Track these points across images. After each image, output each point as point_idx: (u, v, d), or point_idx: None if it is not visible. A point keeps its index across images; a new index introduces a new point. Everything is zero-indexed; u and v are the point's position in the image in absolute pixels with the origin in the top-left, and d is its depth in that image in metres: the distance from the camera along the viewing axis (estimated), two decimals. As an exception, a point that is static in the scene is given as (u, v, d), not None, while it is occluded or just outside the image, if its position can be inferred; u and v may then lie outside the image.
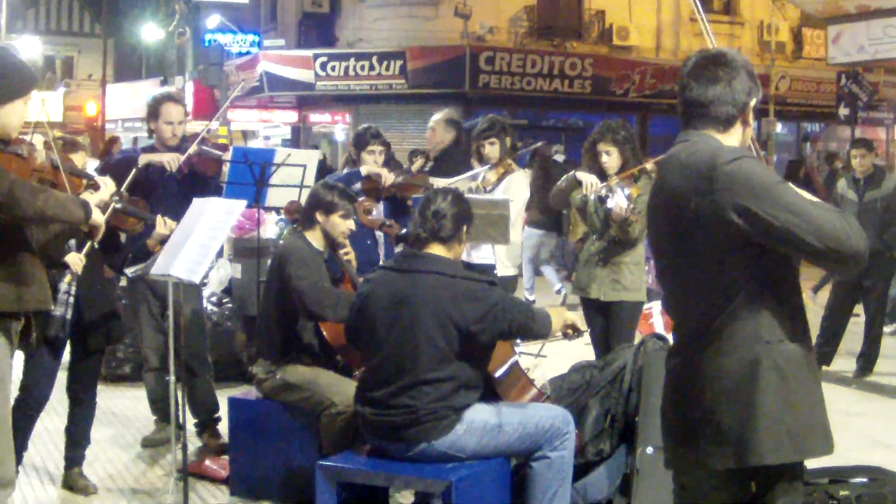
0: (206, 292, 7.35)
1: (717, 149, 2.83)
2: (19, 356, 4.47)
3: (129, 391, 7.39)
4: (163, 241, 5.00)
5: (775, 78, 22.72)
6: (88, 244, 4.71)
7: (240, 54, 25.86)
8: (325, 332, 5.00)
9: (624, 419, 4.80)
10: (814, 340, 3.27)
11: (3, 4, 30.33)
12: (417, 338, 4.16)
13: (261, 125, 27.54)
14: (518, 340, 4.78)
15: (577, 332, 4.64)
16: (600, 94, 22.08)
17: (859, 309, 8.66)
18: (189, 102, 23.81)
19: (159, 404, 6.03)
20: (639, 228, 5.68)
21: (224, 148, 6.67)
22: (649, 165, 6.06)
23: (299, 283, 4.91)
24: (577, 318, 4.73)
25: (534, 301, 11.46)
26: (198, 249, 4.69)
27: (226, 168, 6.20)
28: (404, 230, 5.69)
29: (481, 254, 6.19)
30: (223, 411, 5.73)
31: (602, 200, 5.78)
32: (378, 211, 6.38)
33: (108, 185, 4.40)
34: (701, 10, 4.01)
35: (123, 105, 30.80)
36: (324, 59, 22.45)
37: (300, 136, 26.38)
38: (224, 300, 8.07)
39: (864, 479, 4.43)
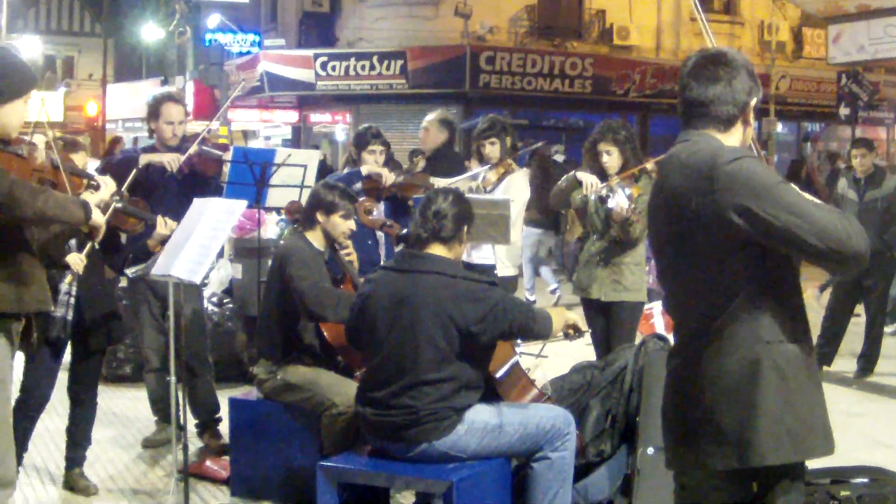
0: (206, 293, 7.34)
1: (718, 148, 2.83)
2: (20, 357, 4.47)
3: (129, 392, 7.38)
4: (163, 241, 4.99)
5: (775, 78, 22.70)
6: (89, 244, 4.70)
7: (240, 54, 25.84)
8: (325, 333, 5.00)
9: (625, 420, 4.80)
10: (814, 340, 3.26)
11: (3, 4, 30.23)
12: (418, 338, 4.16)
13: (261, 125, 27.52)
14: (519, 341, 4.78)
15: (577, 333, 4.64)
16: (601, 94, 22.07)
17: (860, 309, 8.67)
18: (189, 102, 23.77)
19: (160, 405, 6.04)
20: (640, 228, 5.68)
21: (224, 148, 6.68)
22: (650, 165, 6.06)
23: (300, 284, 4.91)
24: (578, 318, 4.73)
25: (534, 301, 11.45)
26: (198, 250, 4.69)
27: (226, 168, 6.19)
28: (405, 230, 5.68)
29: (482, 254, 6.19)
30: (224, 412, 5.73)
31: (603, 200, 5.78)
32: (379, 211, 6.38)
33: (108, 185, 4.39)
34: (701, 9, 4.01)
35: (124, 105, 30.76)
36: (324, 58, 22.44)
37: (301, 136, 26.36)
38: (225, 300, 8.07)
39: (865, 480, 4.42)
